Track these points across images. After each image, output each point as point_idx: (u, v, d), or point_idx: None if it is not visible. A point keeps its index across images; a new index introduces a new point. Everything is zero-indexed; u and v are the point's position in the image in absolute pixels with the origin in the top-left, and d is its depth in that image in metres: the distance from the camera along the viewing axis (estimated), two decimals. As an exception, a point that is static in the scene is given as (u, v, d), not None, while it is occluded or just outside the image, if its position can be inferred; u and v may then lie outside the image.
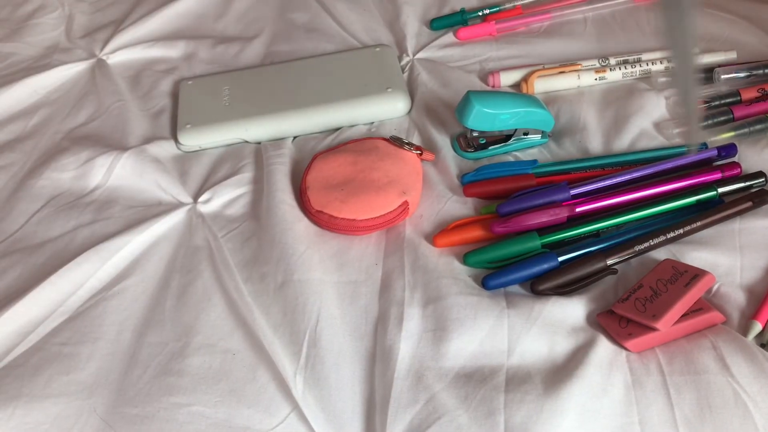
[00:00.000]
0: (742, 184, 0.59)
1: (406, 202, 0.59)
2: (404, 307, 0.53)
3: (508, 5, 0.81)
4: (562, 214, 0.57)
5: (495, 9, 0.81)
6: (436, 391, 0.48)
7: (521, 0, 0.81)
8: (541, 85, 0.71)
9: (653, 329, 0.49)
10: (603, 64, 0.72)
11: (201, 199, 0.64)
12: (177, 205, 0.63)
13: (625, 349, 0.50)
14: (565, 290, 0.54)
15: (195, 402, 0.50)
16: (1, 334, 0.54)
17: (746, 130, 0.64)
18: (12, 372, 0.52)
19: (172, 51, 0.81)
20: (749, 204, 0.57)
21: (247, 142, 0.70)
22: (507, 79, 0.73)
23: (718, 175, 0.60)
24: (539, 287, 0.54)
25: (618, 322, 0.51)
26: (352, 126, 0.70)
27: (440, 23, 0.81)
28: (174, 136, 0.70)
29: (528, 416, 0.46)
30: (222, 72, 0.77)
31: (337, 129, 0.70)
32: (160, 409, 0.49)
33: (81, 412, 0.50)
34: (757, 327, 0.50)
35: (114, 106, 0.74)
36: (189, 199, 0.64)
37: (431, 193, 0.62)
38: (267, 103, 0.71)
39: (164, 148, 0.69)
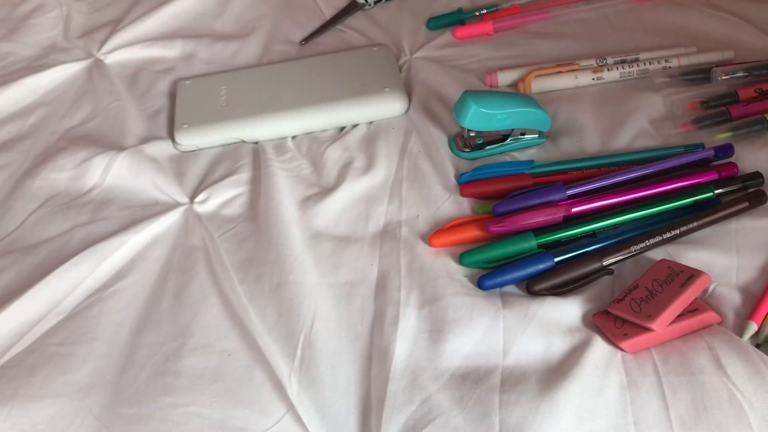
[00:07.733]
0: (738, 185, 0.59)
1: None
2: (400, 308, 0.53)
3: (505, 4, 0.81)
4: (558, 214, 0.57)
5: (492, 8, 0.81)
6: (431, 391, 0.48)
7: (519, -1, 0.81)
8: (538, 85, 0.71)
9: (649, 330, 0.49)
10: (600, 63, 0.72)
11: (198, 199, 0.63)
12: (173, 205, 0.63)
13: (621, 349, 0.49)
14: (561, 290, 0.54)
15: (191, 402, 0.50)
16: (-3, 334, 0.54)
17: (744, 130, 0.64)
18: (8, 372, 0.52)
19: (170, 51, 0.81)
20: (746, 204, 0.57)
21: (244, 142, 0.69)
22: (504, 78, 0.72)
23: (714, 176, 0.60)
24: (535, 287, 0.53)
25: (614, 322, 0.51)
26: (354, 126, 0.70)
27: (437, 23, 0.81)
28: (171, 136, 0.70)
29: (523, 417, 0.46)
30: (219, 72, 0.77)
31: (342, 128, 0.70)
32: (156, 409, 0.49)
33: (77, 412, 0.50)
34: (753, 327, 0.50)
35: (111, 106, 0.74)
36: (186, 199, 0.64)
37: (428, 193, 0.62)
38: (264, 102, 0.71)
39: (161, 148, 0.69)
